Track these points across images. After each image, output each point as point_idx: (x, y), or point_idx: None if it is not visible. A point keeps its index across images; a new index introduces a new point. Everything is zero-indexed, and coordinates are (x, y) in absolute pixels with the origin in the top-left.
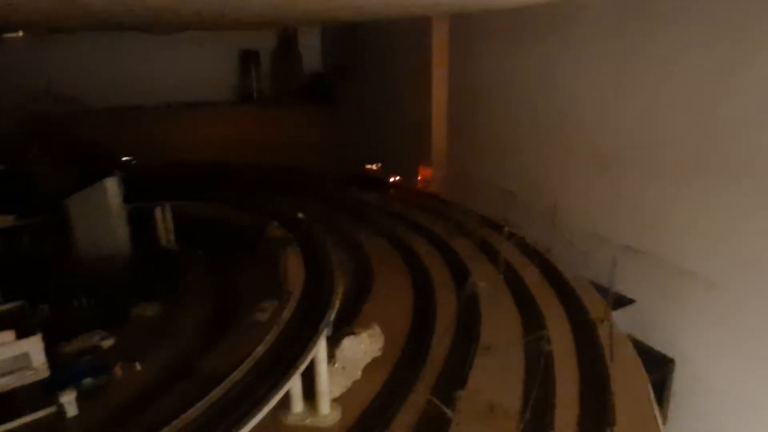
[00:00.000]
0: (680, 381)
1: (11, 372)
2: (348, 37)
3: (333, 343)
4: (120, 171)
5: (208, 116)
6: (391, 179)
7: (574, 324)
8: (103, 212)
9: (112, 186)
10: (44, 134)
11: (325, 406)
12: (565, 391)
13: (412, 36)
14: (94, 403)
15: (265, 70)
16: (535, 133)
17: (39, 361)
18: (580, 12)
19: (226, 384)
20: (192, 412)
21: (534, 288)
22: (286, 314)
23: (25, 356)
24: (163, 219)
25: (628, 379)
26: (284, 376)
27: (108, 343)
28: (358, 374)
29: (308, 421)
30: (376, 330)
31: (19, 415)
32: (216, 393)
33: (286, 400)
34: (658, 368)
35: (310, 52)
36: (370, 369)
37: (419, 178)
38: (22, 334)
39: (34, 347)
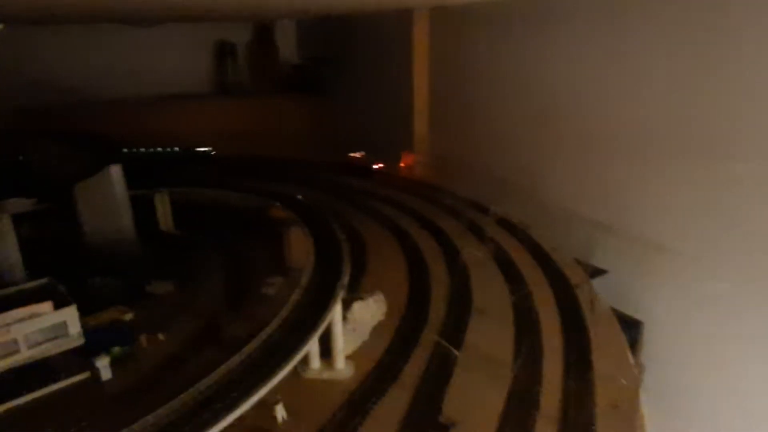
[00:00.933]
0: (649, 340)
1: (49, 339)
2: (324, 29)
3: (344, 308)
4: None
5: (192, 108)
6: (375, 166)
7: (555, 287)
8: (109, 198)
9: (116, 173)
10: (42, 126)
11: (340, 361)
12: (550, 343)
13: (393, 27)
14: (124, 369)
15: (243, 62)
16: (516, 120)
17: (75, 330)
18: (558, 6)
19: (255, 342)
20: (224, 368)
21: (518, 259)
22: (304, 280)
23: (63, 325)
24: (162, 205)
25: (605, 331)
26: (309, 332)
27: (129, 316)
28: (367, 335)
29: (325, 375)
30: (381, 296)
31: (57, 380)
32: (247, 349)
33: (306, 358)
34: (629, 330)
35: (287, 44)
36: (376, 331)
37: (402, 164)
38: (58, 305)
39: (70, 317)
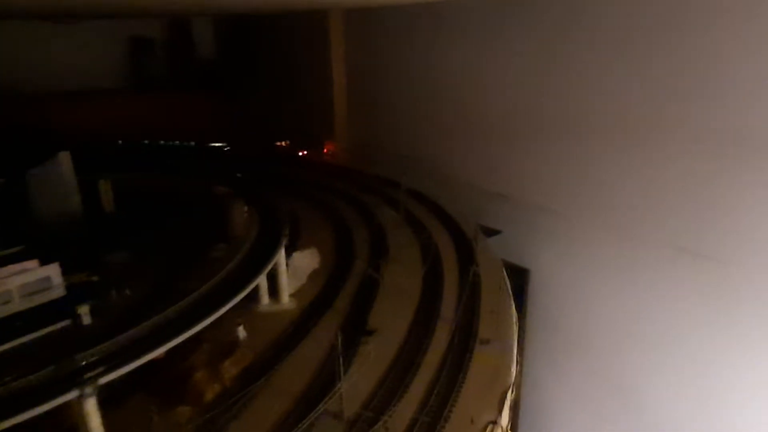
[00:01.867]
0: (533, 285)
1: (37, 291)
2: (242, 26)
3: (286, 256)
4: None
5: (109, 102)
6: (300, 153)
7: (455, 239)
8: (59, 181)
9: (65, 159)
10: None
11: (285, 297)
12: (450, 275)
13: (311, 26)
14: (99, 317)
15: (161, 58)
16: (421, 108)
17: (58, 283)
18: (451, 14)
19: (213, 281)
20: (184, 302)
21: (425, 220)
22: (247, 244)
23: (47, 279)
24: (105, 189)
25: (488, 264)
26: (259, 270)
27: (95, 278)
28: (305, 279)
29: (274, 308)
30: (314, 251)
31: (46, 325)
32: (204, 288)
33: (257, 296)
34: (518, 276)
35: (204, 41)
36: (311, 278)
37: (324, 150)
38: (43, 263)
39: (54, 271)
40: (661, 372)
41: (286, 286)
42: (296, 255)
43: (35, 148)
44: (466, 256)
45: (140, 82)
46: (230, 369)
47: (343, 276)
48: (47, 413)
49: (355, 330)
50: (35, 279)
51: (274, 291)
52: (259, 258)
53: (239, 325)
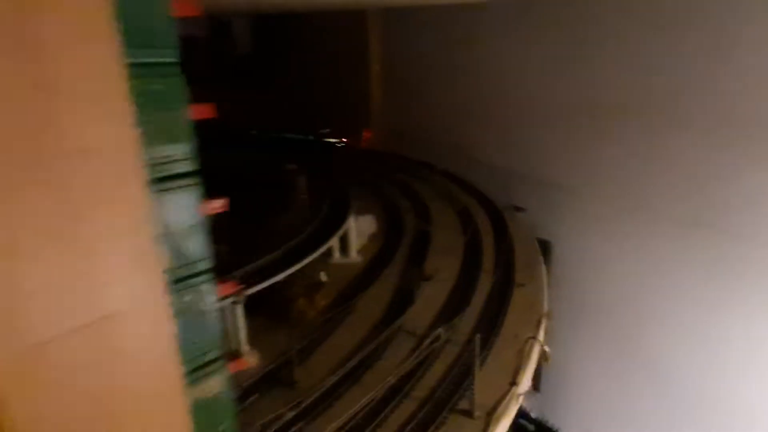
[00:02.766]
0: (556, 257)
1: None
2: (279, 22)
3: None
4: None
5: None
6: (342, 140)
7: (486, 208)
8: None
9: None
10: None
11: (353, 252)
12: (486, 237)
13: (348, 18)
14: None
15: (203, 55)
16: (453, 98)
17: None
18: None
19: (293, 242)
20: (292, 242)
21: (459, 196)
22: (325, 207)
23: None
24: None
25: (524, 243)
26: (337, 227)
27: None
28: (366, 240)
29: (345, 261)
30: (372, 217)
31: None
32: (289, 245)
33: (331, 252)
34: (541, 248)
35: (243, 38)
36: (371, 240)
37: (363, 139)
38: None
39: None
40: (683, 342)
41: (355, 243)
42: (360, 219)
43: None
44: (499, 223)
45: (187, 78)
46: (320, 301)
47: (397, 237)
48: None
49: (413, 275)
50: None
51: (343, 249)
52: (334, 221)
53: (321, 271)
